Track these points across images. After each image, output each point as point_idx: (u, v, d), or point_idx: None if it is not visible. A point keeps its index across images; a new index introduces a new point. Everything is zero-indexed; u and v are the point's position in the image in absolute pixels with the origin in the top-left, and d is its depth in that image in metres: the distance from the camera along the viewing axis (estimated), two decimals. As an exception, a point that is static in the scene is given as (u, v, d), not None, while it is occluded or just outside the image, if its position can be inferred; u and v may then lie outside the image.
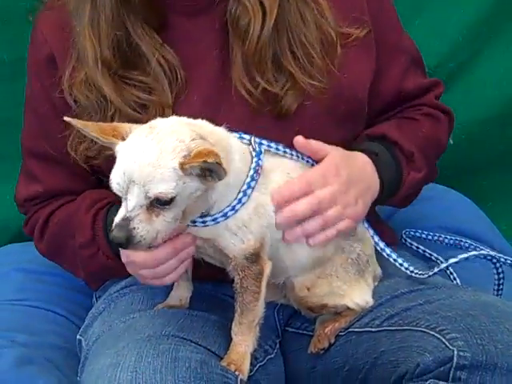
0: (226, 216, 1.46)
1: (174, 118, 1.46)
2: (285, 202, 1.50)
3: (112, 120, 1.59)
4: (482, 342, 1.42)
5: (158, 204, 1.37)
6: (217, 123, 1.50)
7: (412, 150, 1.70)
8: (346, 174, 1.56)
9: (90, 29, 1.60)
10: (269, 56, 1.60)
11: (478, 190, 2.45)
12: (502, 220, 2.44)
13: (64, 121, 1.56)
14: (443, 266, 1.66)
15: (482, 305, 1.51)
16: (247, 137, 1.53)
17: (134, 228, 1.37)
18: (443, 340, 1.45)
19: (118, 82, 1.61)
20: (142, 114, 1.60)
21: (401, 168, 1.70)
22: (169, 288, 1.66)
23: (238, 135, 1.52)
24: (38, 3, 1.75)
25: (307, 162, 1.58)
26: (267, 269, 1.51)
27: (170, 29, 1.64)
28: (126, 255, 1.54)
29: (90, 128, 1.42)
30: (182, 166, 1.36)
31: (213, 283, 1.66)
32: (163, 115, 1.56)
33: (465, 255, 1.66)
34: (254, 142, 1.52)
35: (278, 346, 1.69)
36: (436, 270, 1.64)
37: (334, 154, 1.57)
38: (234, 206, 1.46)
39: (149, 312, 1.61)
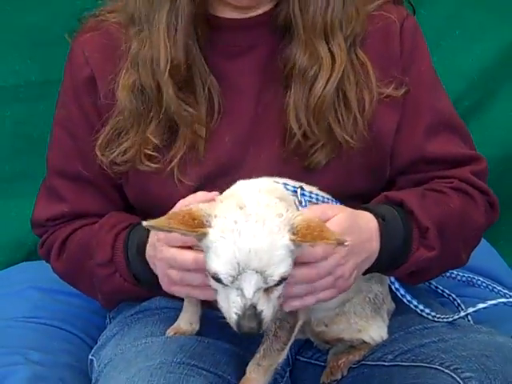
0: None
1: (246, 187, 1.42)
2: None
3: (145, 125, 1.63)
4: (496, 383, 1.44)
5: (278, 282, 1.35)
6: (243, 166, 1.52)
7: (427, 225, 1.58)
8: (350, 243, 1.43)
9: (165, 32, 1.60)
10: (331, 108, 1.61)
11: (490, 229, 2.47)
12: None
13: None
14: (470, 310, 1.65)
15: (497, 346, 1.53)
16: (292, 184, 1.51)
17: (262, 311, 1.34)
18: (457, 379, 1.46)
19: (177, 94, 1.61)
20: (170, 140, 1.63)
21: (411, 240, 1.59)
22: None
23: (283, 182, 1.50)
24: (76, 25, 1.77)
25: None
26: (301, 321, 1.51)
27: (212, 67, 1.65)
28: (160, 250, 1.49)
29: (174, 225, 1.34)
30: (294, 243, 1.33)
31: None
32: (191, 147, 1.59)
33: (493, 302, 1.65)
34: (299, 192, 1.50)
35: (287, 374, 1.71)
36: (462, 314, 1.63)
37: (339, 219, 1.47)
38: None
39: (161, 338, 1.61)
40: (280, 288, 1.36)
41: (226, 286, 1.34)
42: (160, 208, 1.44)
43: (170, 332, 1.62)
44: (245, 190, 1.40)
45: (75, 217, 1.75)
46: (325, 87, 1.60)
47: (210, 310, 1.63)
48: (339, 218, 1.46)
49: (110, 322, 1.82)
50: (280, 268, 1.33)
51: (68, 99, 1.75)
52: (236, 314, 1.34)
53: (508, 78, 2.43)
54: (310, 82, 1.61)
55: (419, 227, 1.59)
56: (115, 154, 1.64)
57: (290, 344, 1.52)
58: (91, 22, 1.74)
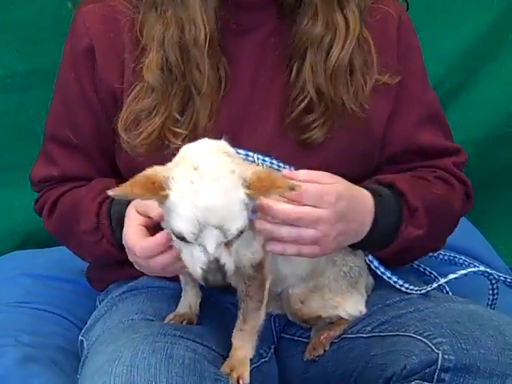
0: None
1: (196, 148, 1.46)
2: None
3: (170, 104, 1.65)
4: (467, 347, 1.48)
5: (235, 236, 1.41)
6: (239, 141, 1.55)
7: (417, 205, 1.65)
8: (343, 208, 1.52)
9: (201, 7, 1.62)
10: (345, 74, 1.66)
11: (474, 210, 2.45)
12: (498, 240, 2.48)
13: (89, 113, 1.69)
14: (442, 281, 1.69)
15: (469, 313, 1.57)
16: (252, 154, 1.57)
17: (225, 264, 1.40)
18: (429, 344, 1.50)
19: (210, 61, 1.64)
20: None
21: (401, 220, 1.65)
22: (170, 291, 1.72)
23: (244, 152, 1.56)
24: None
25: None
26: (269, 278, 1.56)
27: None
28: (135, 262, 1.56)
29: (137, 191, 1.40)
30: (249, 196, 1.39)
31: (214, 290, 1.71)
32: (196, 123, 1.65)
33: (463, 271, 1.68)
34: (257, 158, 1.56)
35: (272, 351, 1.74)
36: (434, 285, 1.67)
37: (342, 184, 1.55)
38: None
39: (148, 316, 1.66)
40: (238, 241, 1.42)
41: (190, 243, 1.39)
42: None
43: (170, 316, 1.65)
44: (195, 151, 1.45)
45: (65, 180, 1.80)
46: (340, 52, 1.65)
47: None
48: (336, 185, 1.53)
49: (100, 304, 1.85)
50: (237, 222, 1.38)
51: (66, 68, 1.78)
52: (201, 268, 1.40)
53: (487, 60, 2.46)
54: (327, 49, 1.66)
55: (409, 207, 1.65)
56: (143, 135, 1.67)
57: (264, 303, 1.56)
58: None
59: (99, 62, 1.72)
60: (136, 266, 1.59)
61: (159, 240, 1.49)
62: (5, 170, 2.33)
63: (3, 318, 1.98)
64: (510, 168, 2.55)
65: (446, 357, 1.48)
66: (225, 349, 1.58)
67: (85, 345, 1.75)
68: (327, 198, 1.51)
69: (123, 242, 1.59)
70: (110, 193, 1.40)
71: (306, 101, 1.67)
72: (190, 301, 1.66)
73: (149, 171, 1.42)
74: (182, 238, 1.40)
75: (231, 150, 1.48)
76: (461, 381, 1.47)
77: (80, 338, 1.80)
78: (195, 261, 1.40)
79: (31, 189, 1.88)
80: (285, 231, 1.50)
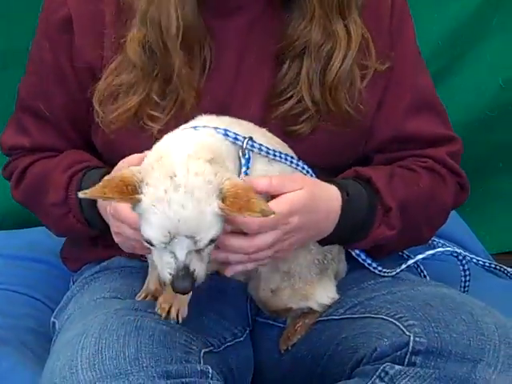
0: None
1: (176, 150, 1.41)
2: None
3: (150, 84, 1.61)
4: (438, 330, 1.46)
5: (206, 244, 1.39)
6: None
7: (391, 205, 1.61)
8: (297, 223, 1.47)
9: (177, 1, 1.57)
10: (346, 86, 1.61)
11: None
12: (480, 226, 2.48)
13: (62, 85, 1.65)
14: (410, 262, 1.69)
15: (442, 296, 1.55)
16: (241, 138, 1.49)
17: (194, 270, 1.38)
18: (401, 326, 1.48)
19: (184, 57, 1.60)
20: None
21: (374, 217, 1.61)
22: (144, 272, 1.68)
23: (233, 136, 1.50)
24: None
25: (303, 168, 1.57)
26: None
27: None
28: (116, 225, 1.52)
29: (109, 194, 1.36)
30: (223, 210, 1.36)
31: None
32: (179, 107, 1.60)
33: (431, 251, 1.69)
34: (246, 142, 1.49)
35: (247, 332, 1.72)
36: (403, 266, 1.66)
37: (296, 196, 1.47)
38: None
39: (120, 295, 1.64)
40: (210, 247, 1.39)
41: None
42: None
43: (140, 295, 1.63)
44: (175, 154, 1.40)
45: (35, 150, 1.78)
46: (341, 65, 1.60)
47: None
48: (297, 194, 1.47)
49: (73, 284, 1.83)
50: (209, 233, 1.36)
51: (40, 37, 1.75)
52: (170, 274, 1.37)
53: (472, 45, 2.45)
54: (325, 59, 1.60)
55: (383, 206, 1.61)
56: (119, 111, 1.63)
57: None
58: None
59: (77, 33, 1.68)
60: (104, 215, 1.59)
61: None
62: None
63: (-26, 299, 1.95)
64: (493, 153, 2.54)
65: (418, 339, 1.46)
66: (196, 326, 1.56)
67: (57, 326, 1.73)
68: (280, 221, 1.46)
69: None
70: (82, 195, 1.37)
71: (295, 98, 1.63)
72: (157, 278, 1.62)
73: (125, 172, 1.38)
74: (152, 244, 1.38)
75: (219, 147, 1.44)
76: (432, 364, 1.45)
77: (52, 319, 1.78)
78: (164, 265, 1.38)
79: (4, 153, 1.84)
80: (238, 259, 1.48)
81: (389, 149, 1.71)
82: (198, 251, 1.38)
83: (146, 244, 1.40)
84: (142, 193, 1.36)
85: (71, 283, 1.87)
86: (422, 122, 1.71)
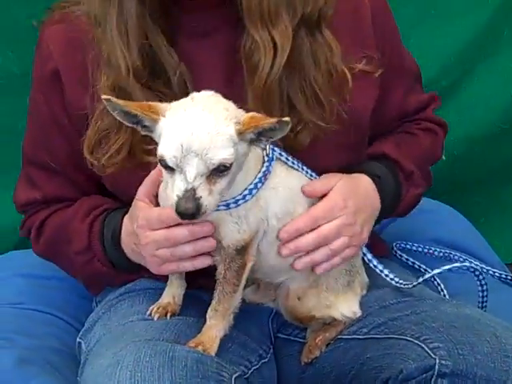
0: (236, 203, 1.51)
1: (206, 92, 1.49)
2: (289, 238, 1.57)
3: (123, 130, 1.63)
4: (463, 353, 1.48)
5: (216, 172, 1.41)
6: None
7: (412, 169, 1.77)
8: (353, 205, 1.62)
9: (119, 37, 1.61)
10: (277, 95, 1.62)
11: (470, 206, 2.50)
12: (495, 236, 2.49)
13: (61, 135, 1.69)
14: (427, 276, 1.72)
15: (465, 317, 1.57)
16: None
17: (201, 197, 1.40)
18: (426, 349, 1.51)
19: (146, 92, 1.62)
20: None
21: (400, 187, 1.76)
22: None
23: None
24: (45, 16, 1.77)
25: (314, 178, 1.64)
26: (249, 263, 1.56)
27: (178, 49, 1.66)
28: (145, 236, 1.56)
29: (131, 105, 1.43)
30: (239, 132, 1.41)
31: (211, 293, 1.69)
32: None
33: (448, 266, 1.72)
34: (269, 147, 1.56)
35: (271, 351, 1.75)
36: (420, 279, 1.70)
37: (339, 186, 1.62)
38: (238, 201, 1.51)
39: (147, 317, 1.65)
40: (223, 181, 1.42)
41: (172, 171, 1.41)
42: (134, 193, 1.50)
43: (153, 310, 1.65)
44: (203, 93, 1.48)
45: (48, 202, 1.80)
46: (268, 75, 1.60)
47: (197, 291, 1.69)
48: (340, 184, 1.62)
49: (97, 306, 1.86)
50: (220, 153, 1.39)
51: (35, 90, 1.78)
52: (177, 196, 1.40)
53: (483, 57, 2.46)
54: (254, 69, 1.62)
55: (404, 173, 1.77)
56: (108, 154, 1.65)
57: (241, 288, 1.57)
58: (57, 13, 1.74)
59: (66, 84, 1.71)
60: (130, 254, 1.65)
61: (163, 212, 1.52)
62: (1, 171, 2.33)
63: (-2, 319, 1.98)
64: (507, 164, 2.56)
65: (443, 362, 1.48)
66: (224, 350, 1.59)
67: (83, 347, 1.75)
68: (336, 207, 1.60)
69: (127, 216, 1.64)
70: (104, 96, 1.44)
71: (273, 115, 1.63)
72: (173, 291, 1.66)
73: (153, 103, 1.46)
74: (165, 165, 1.41)
75: None
76: None
77: (78, 340, 1.80)
78: (174, 189, 1.41)
79: (16, 211, 1.87)
80: (321, 255, 1.60)
81: (391, 127, 1.85)
82: (209, 181, 1.40)
83: (164, 175, 1.44)
84: (163, 115, 1.43)
85: (94, 304, 1.89)
86: (417, 93, 1.87)
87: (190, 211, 1.39)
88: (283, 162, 1.59)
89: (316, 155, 1.66)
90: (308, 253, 1.60)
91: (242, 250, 1.54)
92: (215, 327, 1.56)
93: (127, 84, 1.61)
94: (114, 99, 1.44)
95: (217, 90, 1.49)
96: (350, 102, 1.67)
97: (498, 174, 2.56)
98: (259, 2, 1.58)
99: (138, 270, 1.72)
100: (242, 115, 1.44)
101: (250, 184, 1.52)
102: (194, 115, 1.40)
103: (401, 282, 1.69)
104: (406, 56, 1.87)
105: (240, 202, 1.51)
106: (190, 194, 1.39)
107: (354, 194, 1.63)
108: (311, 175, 1.63)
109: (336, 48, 1.65)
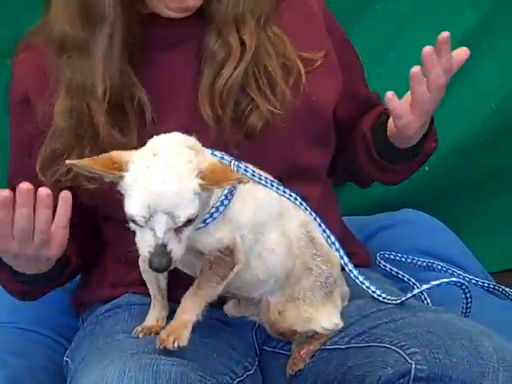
0: (205, 223, 1.55)
1: (161, 139, 1.52)
2: None
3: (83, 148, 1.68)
4: (439, 357, 1.51)
5: (184, 224, 1.46)
6: None
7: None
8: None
9: (102, 59, 1.65)
10: (236, 89, 1.70)
11: (454, 216, 2.52)
12: (478, 245, 2.50)
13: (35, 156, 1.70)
14: (416, 291, 1.72)
15: (442, 322, 1.59)
16: (228, 158, 1.61)
17: (172, 250, 1.45)
18: (403, 354, 1.53)
19: (108, 117, 1.68)
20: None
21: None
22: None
23: (220, 155, 1.61)
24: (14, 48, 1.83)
25: (284, 192, 1.65)
26: (238, 266, 1.58)
27: (149, 64, 1.73)
28: None
29: (95, 166, 1.46)
30: (201, 187, 1.45)
31: None
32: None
33: (436, 282, 1.71)
34: (233, 164, 1.60)
35: (256, 363, 1.76)
36: (409, 295, 1.70)
37: None
38: (206, 220, 1.54)
39: (133, 334, 1.66)
40: (189, 229, 1.47)
41: (142, 227, 1.45)
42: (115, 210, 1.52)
43: (137, 330, 1.67)
44: (160, 140, 1.51)
45: None
46: (232, 73, 1.69)
47: (175, 305, 1.66)
48: None
49: (83, 324, 1.87)
50: (187, 210, 1.44)
51: (12, 118, 1.84)
52: (149, 252, 1.45)
53: (464, 70, 2.42)
54: (218, 67, 1.69)
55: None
56: (57, 174, 1.70)
57: (225, 281, 1.58)
58: (25, 41, 1.81)
59: (36, 109, 1.75)
60: None
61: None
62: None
63: (-12, 339, 1.99)
64: (490, 174, 2.58)
65: (419, 367, 1.50)
66: (208, 365, 1.61)
67: (70, 365, 1.76)
68: None
69: None
70: (70, 162, 1.47)
71: (213, 111, 1.70)
72: (157, 315, 1.68)
73: (113, 152, 1.49)
74: (134, 222, 1.46)
75: (201, 147, 1.54)
76: None
77: (65, 359, 1.81)
78: (145, 244, 1.46)
79: None
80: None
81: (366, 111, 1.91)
82: (177, 232, 1.45)
83: (131, 225, 1.47)
84: (126, 170, 1.45)
85: (80, 321, 1.91)
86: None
87: (163, 267, 1.45)
88: (249, 177, 1.61)
89: (290, 150, 1.73)
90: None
91: (228, 252, 1.57)
92: (190, 311, 1.57)
93: (97, 107, 1.66)
94: (79, 163, 1.47)
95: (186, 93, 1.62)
96: (310, 94, 1.75)
97: (481, 184, 2.57)
98: (233, 7, 1.69)
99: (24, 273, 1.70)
100: (204, 163, 1.47)
101: (217, 202, 1.55)
102: (157, 175, 1.43)
103: (388, 298, 1.70)
104: (359, 58, 1.97)
105: (208, 220, 1.54)
106: (162, 249, 1.44)
107: None
108: (278, 188, 1.65)
109: (287, 41, 1.74)
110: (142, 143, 1.53)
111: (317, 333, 1.68)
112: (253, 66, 1.71)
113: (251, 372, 1.73)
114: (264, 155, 1.71)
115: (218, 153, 1.61)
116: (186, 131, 1.59)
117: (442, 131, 2.46)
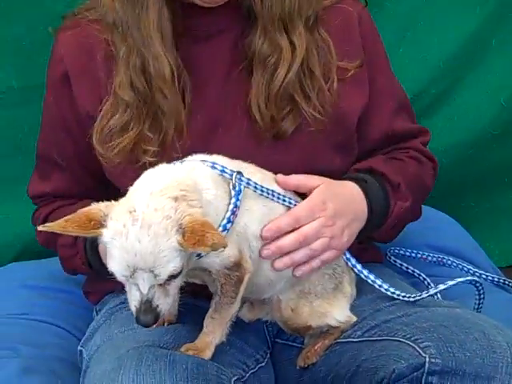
0: None
1: (142, 188, 1.49)
2: (272, 237, 1.60)
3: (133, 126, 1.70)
4: (453, 350, 1.52)
5: (168, 279, 1.44)
6: (215, 142, 1.63)
7: (398, 181, 1.78)
8: (333, 208, 1.64)
9: (161, 45, 1.67)
10: (290, 90, 1.70)
11: (463, 212, 2.55)
12: (488, 240, 2.54)
13: (69, 134, 1.76)
14: (432, 291, 1.72)
15: (455, 316, 1.61)
16: (229, 172, 1.58)
17: (158, 306, 1.44)
18: (417, 348, 1.54)
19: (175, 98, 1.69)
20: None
21: (388, 198, 1.76)
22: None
23: (221, 169, 1.57)
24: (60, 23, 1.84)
25: (289, 203, 1.64)
26: (246, 276, 1.58)
27: (185, 52, 1.73)
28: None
29: (69, 228, 1.44)
30: (181, 245, 1.41)
31: (208, 299, 1.73)
32: (167, 137, 1.69)
33: (453, 282, 1.71)
34: (235, 178, 1.57)
35: (268, 356, 1.79)
36: (424, 295, 1.70)
37: (321, 188, 1.65)
38: None
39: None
40: (178, 280, 1.45)
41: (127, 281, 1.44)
42: None
43: None
44: (139, 191, 1.47)
45: (56, 196, 1.89)
46: (285, 76, 1.69)
47: (193, 299, 1.71)
48: (322, 187, 1.65)
49: (97, 315, 1.90)
50: (167, 268, 1.41)
51: (47, 92, 1.86)
52: (135, 306, 1.44)
53: (473, 66, 2.50)
54: (271, 71, 1.70)
55: (391, 184, 1.77)
56: (116, 150, 1.72)
57: (238, 300, 1.58)
58: (70, 20, 1.82)
59: (74, 87, 1.78)
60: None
61: None
62: (1, 183, 2.37)
63: (2, 330, 2.01)
64: (498, 169, 2.60)
65: (433, 360, 1.52)
66: (222, 354, 1.62)
67: (84, 355, 1.79)
68: (316, 208, 1.63)
69: None
70: (41, 228, 1.46)
71: (263, 115, 1.71)
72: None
73: (92, 207, 1.46)
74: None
75: (192, 179, 1.50)
76: (447, 383, 1.51)
77: (79, 348, 1.84)
78: (131, 298, 1.45)
79: (32, 203, 1.95)
80: (301, 255, 1.62)
81: (379, 148, 1.86)
82: (163, 286, 1.43)
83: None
84: (105, 227, 1.43)
85: (94, 313, 1.93)
86: (403, 120, 1.89)
87: (149, 323, 1.44)
88: (252, 190, 1.59)
89: (312, 155, 1.73)
90: (288, 254, 1.62)
91: (235, 267, 1.56)
92: (211, 334, 1.59)
93: (164, 87, 1.67)
94: (51, 226, 1.45)
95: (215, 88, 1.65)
96: (338, 103, 1.74)
97: (489, 179, 2.59)
98: (280, 5, 1.67)
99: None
100: (184, 217, 1.41)
101: (223, 220, 1.52)
102: (133, 235, 1.40)
103: (403, 295, 1.70)
104: (393, 80, 1.91)
105: None
106: (147, 306, 1.43)
107: (334, 197, 1.65)
108: (284, 200, 1.64)
109: (331, 46, 1.74)
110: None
111: (331, 327, 1.69)
112: (299, 68, 1.70)
113: (263, 364, 1.75)
114: (286, 157, 1.72)
115: (218, 166, 1.57)
116: (216, 124, 1.62)
117: (450, 127, 2.51)
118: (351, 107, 1.79)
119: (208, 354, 1.57)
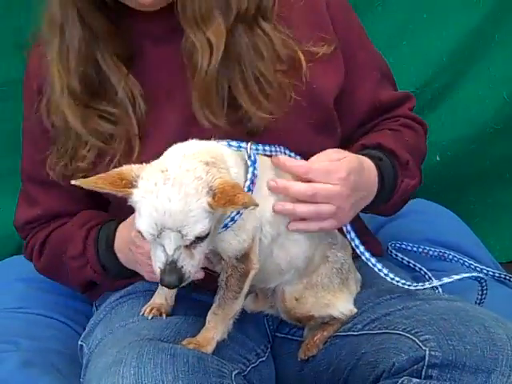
0: (233, 220, 1.53)
1: (174, 152, 1.50)
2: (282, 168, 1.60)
3: (76, 149, 1.71)
4: (453, 343, 1.52)
5: (195, 241, 1.44)
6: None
7: (407, 158, 1.79)
8: (354, 181, 1.63)
9: (58, 61, 1.69)
10: (219, 89, 1.67)
11: (464, 206, 2.55)
12: (489, 235, 2.54)
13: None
14: (436, 283, 1.73)
15: (455, 309, 1.61)
16: (244, 145, 1.58)
17: (182, 267, 1.43)
18: (417, 341, 1.54)
19: (85, 113, 1.69)
20: (110, 144, 1.70)
21: (397, 175, 1.77)
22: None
23: (237, 145, 1.58)
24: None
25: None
26: (252, 271, 1.58)
27: (138, 57, 1.73)
28: (141, 243, 1.60)
29: (101, 184, 1.45)
30: (210, 206, 1.42)
31: (210, 293, 1.72)
32: (130, 145, 1.67)
33: (457, 277, 1.72)
34: (250, 147, 1.58)
35: (269, 349, 1.78)
36: (428, 286, 1.71)
37: (349, 159, 1.64)
38: (227, 224, 1.52)
39: (148, 317, 1.69)
40: (204, 244, 1.45)
41: (154, 241, 1.44)
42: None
43: (145, 308, 1.69)
44: (172, 153, 1.49)
45: (49, 218, 1.86)
46: (206, 73, 1.65)
47: (195, 293, 1.73)
48: (349, 158, 1.64)
49: (97, 310, 1.89)
50: (195, 228, 1.42)
51: (27, 108, 1.85)
52: (159, 268, 1.44)
53: (475, 60, 2.50)
54: (194, 69, 1.67)
55: (400, 162, 1.78)
56: (63, 165, 1.73)
57: (242, 295, 1.59)
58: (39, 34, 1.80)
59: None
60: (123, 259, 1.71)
61: None
62: (0, 176, 2.37)
63: (2, 324, 2.01)
64: (500, 164, 2.60)
65: (433, 353, 1.51)
66: (223, 351, 1.62)
67: (85, 349, 1.78)
68: (336, 175, 1.60)
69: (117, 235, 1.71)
70: (74, 182, 1.46)
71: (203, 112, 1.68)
72: (166, 293, 1.69)
73: (124, 167, 1.47)
74: (143, 236, 1.45)
75: (219, 151, 1.52)
76: (448, 376, 1.50)
77: (80, 342, 1.83)
78: (156, 259, 1.45)
79: (18, 235, 1.92)
80: (304, 208, 1.59)
81: (368, 120, 1.87)
82: (189, 248, 1.43)
83: (140, 238, 1.46)
84: (136, 187, 1.44)
85: (94, 308, 1.93)
86: (387, 89, 1.90)
87: (173, 284, 1.44)
88: (267, 156, 1.61)
89: (296, 140, 1.71)
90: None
91: (244, 259, 1.56)
92: (213, 329, 1.59)
93: (62, 105, 1.69)
94: (84, 182, 1.46)
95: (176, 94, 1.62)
96: (311, 83, 1.73)
97: (491, 174, 2.59)
98: (191, 4, 1.64)
99: (128, 276, 1.77)
100: (215, 179, 1.43)
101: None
102: (164, 193, 1.41)
103: (402, 281, 1.70)
104: (373, 52, 1.91)
105: (236, 217, 1.52)
106: (172, 266, 1.43)
107: (357, 173, 1.64)
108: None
109: (280, 37, 1.71)
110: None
111: (333, 318, 1.69)
112: (240, 68, 1.68)
113: (264, 358, 1.75)
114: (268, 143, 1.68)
115: (234, 142, 1.59)
116: (179, 130, 1.62)
117: (453, 121, 2.50)
118: (325, 86, 1.78)
119: (209, 350, 1.57)
